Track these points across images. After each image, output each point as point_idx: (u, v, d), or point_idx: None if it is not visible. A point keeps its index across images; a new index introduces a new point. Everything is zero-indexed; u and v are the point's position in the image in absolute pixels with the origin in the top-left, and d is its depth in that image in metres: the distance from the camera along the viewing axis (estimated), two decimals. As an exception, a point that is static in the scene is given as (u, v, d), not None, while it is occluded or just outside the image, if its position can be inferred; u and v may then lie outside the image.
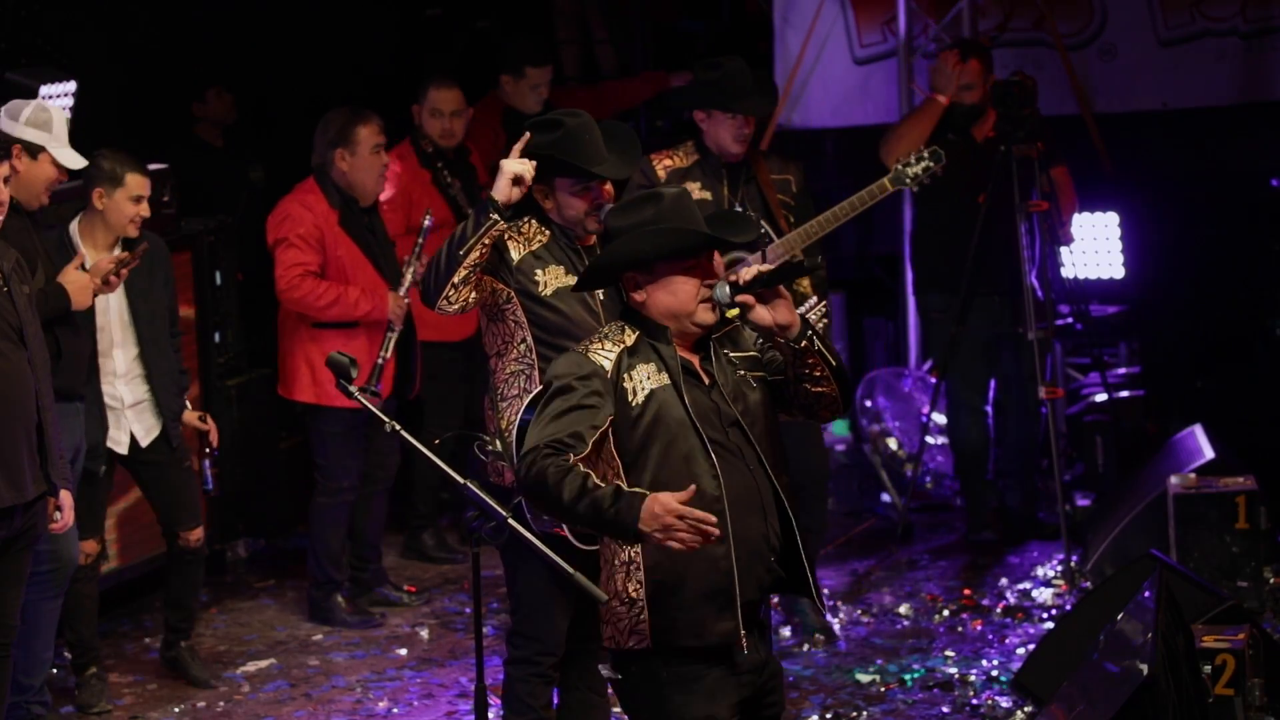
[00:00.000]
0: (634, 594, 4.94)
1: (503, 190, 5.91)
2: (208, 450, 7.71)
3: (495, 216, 5.86)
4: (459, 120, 9.24)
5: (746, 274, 4.99)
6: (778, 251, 7.70)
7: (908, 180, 7.86)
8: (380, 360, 8.27)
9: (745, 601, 4.96)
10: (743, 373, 5.08)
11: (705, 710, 4.94)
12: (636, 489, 4.84)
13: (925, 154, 7.90)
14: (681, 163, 7.79)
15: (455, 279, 5.87)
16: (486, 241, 5.87)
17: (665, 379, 4.97)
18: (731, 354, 5.10)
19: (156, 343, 7.59)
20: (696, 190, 7.66)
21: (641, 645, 4.94)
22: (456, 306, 5.91)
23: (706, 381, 5.03)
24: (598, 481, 4.83)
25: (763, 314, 4.99)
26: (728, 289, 4.99)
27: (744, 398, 5.05)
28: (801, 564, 5.04)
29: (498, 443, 6.08)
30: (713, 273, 5.02)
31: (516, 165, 5.92)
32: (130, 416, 7.57)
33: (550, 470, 4.80)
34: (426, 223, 8.49)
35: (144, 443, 7.61)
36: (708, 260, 5.03)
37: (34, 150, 6.99)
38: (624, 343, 4.99)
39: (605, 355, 4.96)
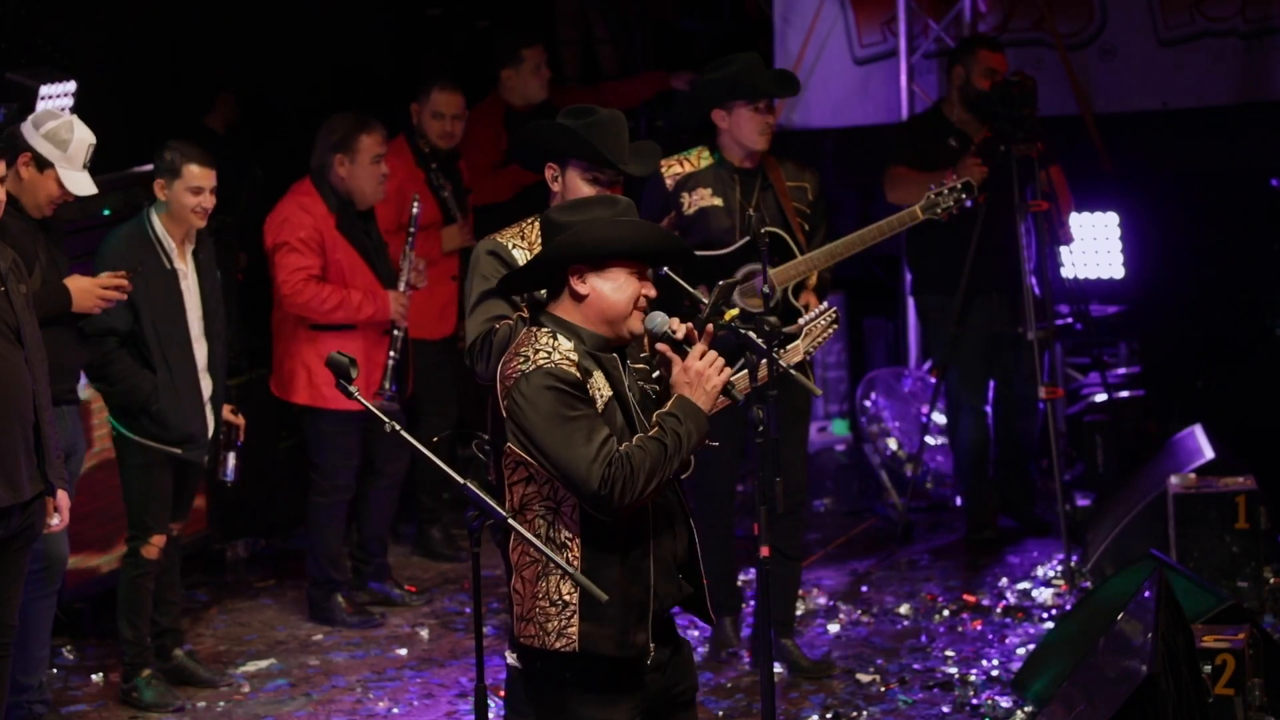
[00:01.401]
0: (567, 597, 4.96)
1: None
2: (234, 442, 7.77)
3: None
4: (459, 123, 9.25)
5: (680, 330, 5.03)
6: (790, 272, 7.54)
7: (939, 210, 7.80)
8: (391, 360, 8.29)
9: (656, 611, 5.03)
10: (641, 382, 5.12)
11: (602, 714, 4.99)
12: (661, 412, 4.95)
13: (959, 185, 7.82)
14: (692, 167, 7.61)
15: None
16: None
17: (609, 391, 4.98)
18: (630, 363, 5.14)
19: (219, 337, 7.71)
20: (707, 196, 7.55)
21: (568, 648, 4.96)
22: None
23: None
24: (642, 437, 4.89)
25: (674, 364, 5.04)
26: (661, 321, 5.01)
27: (650, 408, 5.09)
28: (700, 581, 5.15)
29: (498, 442, 6.07)
30: (650, 286, 5.03)
31: None
32: (207, 410, 7.67)
33: (628, 476, 4.83)
34: (415, 210, 8.50)
35: (209, 434, 7.70)
36: (648, 270, 5.05)
37: (43, 163, 6.99)
38: (571, 355, 4.92)
39: (569, 367, 4.90)
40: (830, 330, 6.26)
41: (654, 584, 5.00)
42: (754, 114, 7.52)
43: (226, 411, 7.77)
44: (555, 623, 4.96)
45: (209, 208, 7.53)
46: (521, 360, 4.92)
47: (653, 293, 5.02)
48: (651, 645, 5.02)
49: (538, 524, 4.96)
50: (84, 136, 7.04)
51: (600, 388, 4.95)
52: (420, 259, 8.62)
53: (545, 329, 4.98)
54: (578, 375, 4.89)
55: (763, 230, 6.97)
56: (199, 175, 7.46)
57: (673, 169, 7.60)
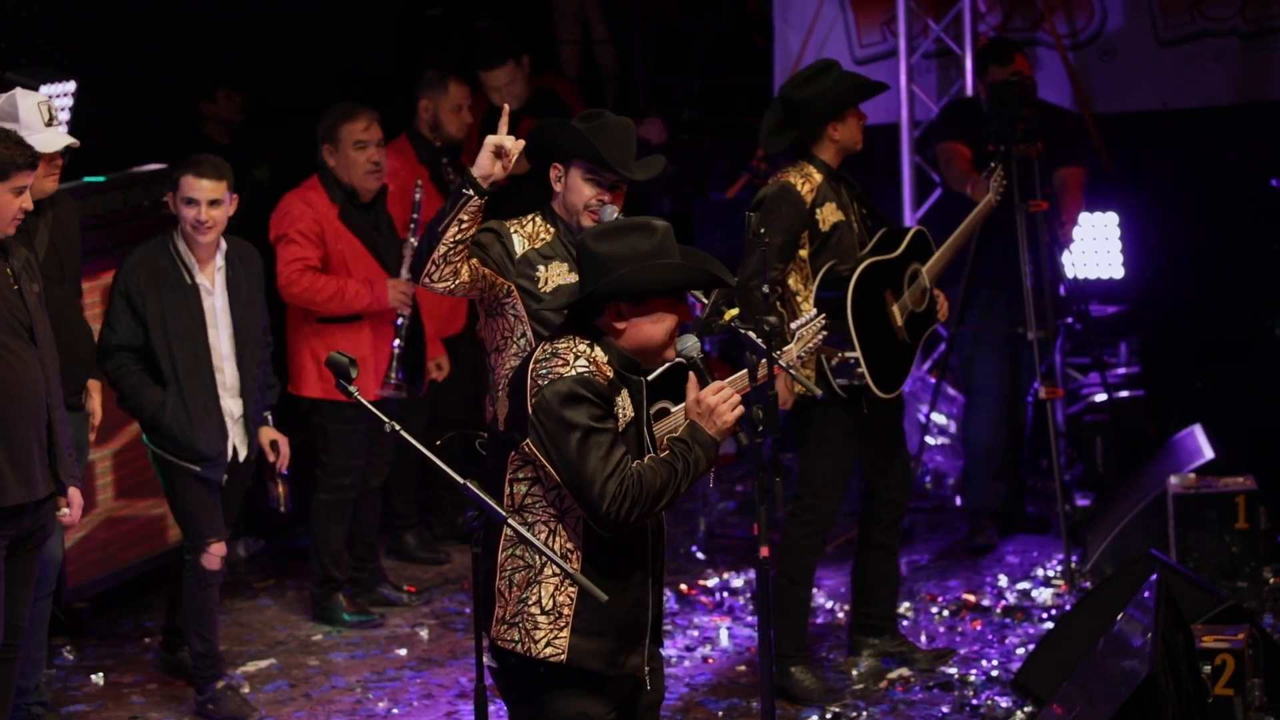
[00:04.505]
0: (562, 608, 4.98)
1: (484, 165, 5.84)
2: (277, 471, 7.62)
3: (470, 192, 5.80)
4: (474, 112, 9.31)
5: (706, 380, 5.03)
6: (936, 266, 7.69)
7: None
8: (397, 348, 8.30)
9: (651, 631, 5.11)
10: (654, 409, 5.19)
11: (579, 707, 5.01)
12: (672, 436, 5.00)
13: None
14: (815, 182, 7.46)
15: (435, 255, 5.82)
16: (464, 219, 5.80)
17: (632, 413, 5.00)
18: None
19: (252, 354, 7.48)
20: (834, 210, 7.47)
21: (556, 658, 4.97)
22: (441, 286, 5.88)
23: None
24: (653, 458, 4.95)
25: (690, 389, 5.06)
26: (692, 345, 5.01)
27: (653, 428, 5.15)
28: (661, 602, 5.20)
29: (497, 440, 6.06)
30: (687, 314, 5.06)
31: (502, 139, 5.85)
32: (236, 431, 7.45)
33: (639, 496, 4.86)
34: (417, 196, 8.50)
35: (242, 457, 7.50)
36: (684, 301, 5.07)
37: None
38: (606, 369, 4.94)
39: (602, 381, 4.92)
40: (820, 335, 6.31)
41: (652, 601, 5.06)
42: (860, 120, 7.55)
43: (265, 439, 7.57)
44: (545, 632, 4.97)
45: (206, 220, 7.25)
46: (560, 363, 4.91)
47: (688, 317, 5.04)
48: (646, 669, 5.05)
49: (538, 529, 4.97)
50: (30, 100, 6.84)
51: (625, 408, 4.97)
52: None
53: (585, 339, 4.98)
54: (609, 390, 4.92)
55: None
56: (191, 186, 7.24)
57: (804, 186, 7.43)
